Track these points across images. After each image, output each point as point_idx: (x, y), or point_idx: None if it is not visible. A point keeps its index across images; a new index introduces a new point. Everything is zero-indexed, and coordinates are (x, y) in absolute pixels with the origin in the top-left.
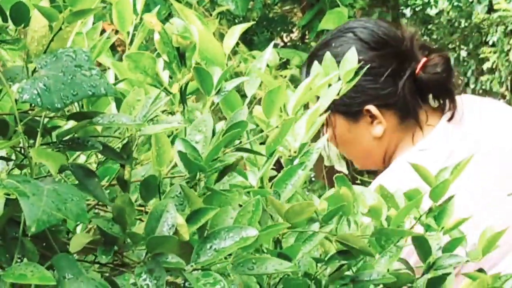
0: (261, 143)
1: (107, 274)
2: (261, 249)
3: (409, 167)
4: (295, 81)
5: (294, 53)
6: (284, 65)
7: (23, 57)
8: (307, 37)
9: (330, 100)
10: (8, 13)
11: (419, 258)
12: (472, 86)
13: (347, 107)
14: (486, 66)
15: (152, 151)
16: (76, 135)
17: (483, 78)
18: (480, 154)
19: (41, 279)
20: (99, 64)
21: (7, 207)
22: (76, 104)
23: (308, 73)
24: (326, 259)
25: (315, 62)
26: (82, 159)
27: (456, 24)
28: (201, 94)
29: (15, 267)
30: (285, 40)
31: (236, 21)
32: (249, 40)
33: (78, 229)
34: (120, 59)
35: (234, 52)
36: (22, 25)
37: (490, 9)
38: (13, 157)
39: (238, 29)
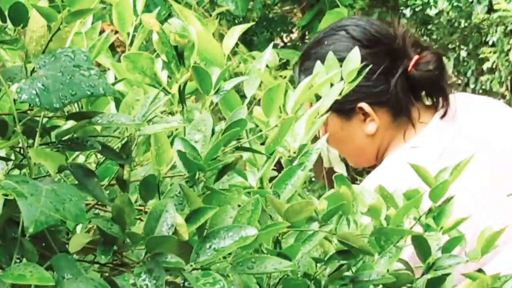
0: (261, 144)
1: (106, 274)
2: (260, 249)
3: (401, 164)
4: (295, 82)
5: (294, 53)
6: (284, 65)
7: (22, 57)
8: (307, 37)
9: (332, 100)
10: (6, 13)
11: (418, 258)
12: (472, 86)
13: (340, 105)
14: (486, 66)
15: (152, 150)
16: (75, 135)
17: (483, 78)
18: (480, 154)
19: (40, 279)
20: (99, 65)
21: (5, 207)
22: (75, 104)
23: (301, 72)
24: (325, 259)
25: (318, 62)
26: (81, 159)
27: (456, 24)
28: (200, 94)
29: (14, 268)
30: (285, 40)
31: (236, 21)
32: (249, 41)
33: (78, 229)
34: (120, 60)
35: (234, 52)
36: (21, 25)
37: (490, 9)
38: (12, 157)
39: (237, 30)
